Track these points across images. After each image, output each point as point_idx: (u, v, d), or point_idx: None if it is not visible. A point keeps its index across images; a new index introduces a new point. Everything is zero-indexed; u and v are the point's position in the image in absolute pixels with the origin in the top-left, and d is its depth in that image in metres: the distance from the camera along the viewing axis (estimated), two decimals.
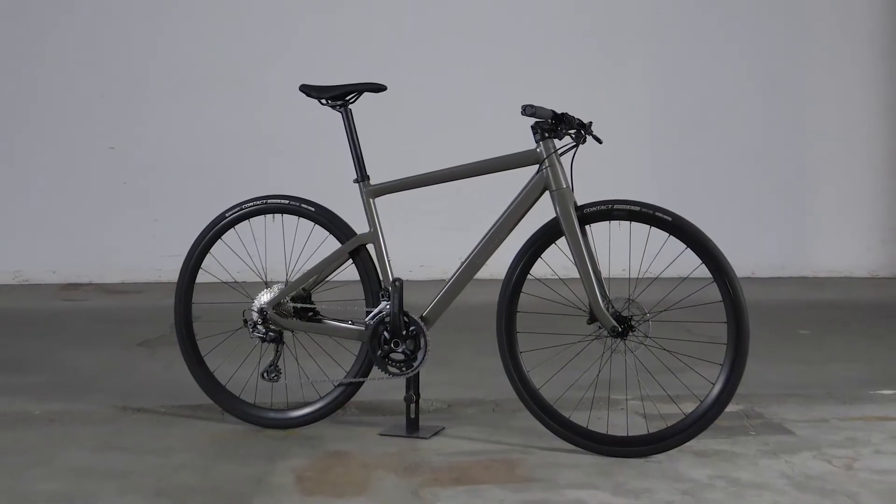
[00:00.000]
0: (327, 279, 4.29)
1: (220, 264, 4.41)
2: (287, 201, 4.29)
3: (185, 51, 7.88)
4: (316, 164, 7.57)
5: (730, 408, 4.38)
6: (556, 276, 4.02)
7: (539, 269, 4.01)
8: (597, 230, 3.97)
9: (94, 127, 7.87)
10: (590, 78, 7.75)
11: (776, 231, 8.19)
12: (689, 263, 3.91)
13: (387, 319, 4.09)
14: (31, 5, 7.78)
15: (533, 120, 3.96)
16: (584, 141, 3.99)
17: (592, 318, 3.93)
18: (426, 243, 7.22)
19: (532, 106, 3.85)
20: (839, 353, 5.69)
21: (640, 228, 3.92)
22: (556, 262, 4.00)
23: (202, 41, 7.88)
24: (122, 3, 7.86)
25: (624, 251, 4.06)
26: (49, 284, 7.77)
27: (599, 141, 4.07)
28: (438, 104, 7.88)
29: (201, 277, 4.39)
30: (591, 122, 4.01)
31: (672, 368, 4.16)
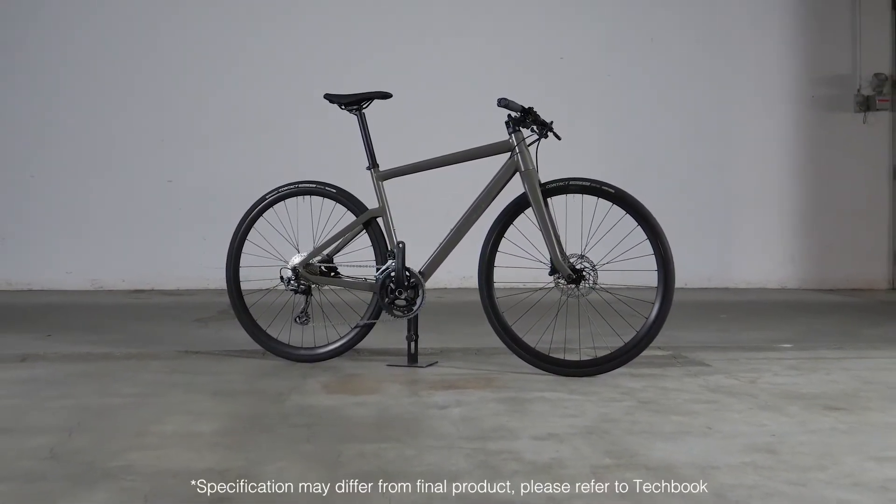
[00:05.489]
0: (346, 245, 4.56)
1: (262, 235, 4.67)
2: (314, 185, 4.58)
3: (228, 105, 8.20)
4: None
5: (660, 352, 4.67)
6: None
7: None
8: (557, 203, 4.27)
9: (155, 165, 8.17)
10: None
11: (703, 250, 8.43)
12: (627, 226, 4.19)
13: (392, 274, 4.37)
14: (104, 75, 8.13)
15: (506, 115, 4.25)
16: (547, 136, 4.28)
17: (553, 270, 4.21)
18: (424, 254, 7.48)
19: (506, 99, 4.14)
20: (750, 326, 5.95)
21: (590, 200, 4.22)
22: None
23: (243, 97, 8.20)
24: (177, 72, 8.21)
25: (577, 218, 4.33)
26: (120, 290, 8.02)
27: (559, 138, 4.33)
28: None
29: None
30: (552, 122, 4.31)
31: (614, 307, 4.39)
